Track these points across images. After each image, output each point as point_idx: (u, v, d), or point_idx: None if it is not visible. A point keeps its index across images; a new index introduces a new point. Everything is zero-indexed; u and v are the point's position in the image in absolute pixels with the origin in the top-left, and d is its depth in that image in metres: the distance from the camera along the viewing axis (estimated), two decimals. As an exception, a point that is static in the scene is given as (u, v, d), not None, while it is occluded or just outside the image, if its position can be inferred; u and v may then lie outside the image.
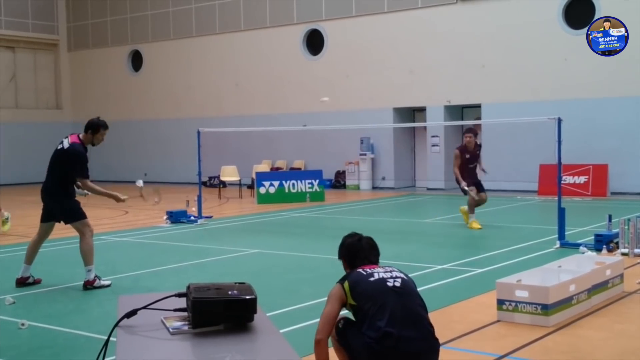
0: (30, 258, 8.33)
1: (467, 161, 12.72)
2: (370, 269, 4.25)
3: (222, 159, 22.53)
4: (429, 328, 4.15)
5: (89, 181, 8.20)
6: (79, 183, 8.27)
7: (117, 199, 8.51)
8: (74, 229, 8.38)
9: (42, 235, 8.41)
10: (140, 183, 9.09)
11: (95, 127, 8.30)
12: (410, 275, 4.53)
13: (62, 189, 8.17)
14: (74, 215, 8.21)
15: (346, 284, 4.15)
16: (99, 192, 8.35)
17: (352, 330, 4.16)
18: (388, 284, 4.13)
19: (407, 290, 4.17)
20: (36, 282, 8.36)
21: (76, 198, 8.34)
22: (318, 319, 4.46)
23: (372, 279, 4.15)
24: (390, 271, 4.25)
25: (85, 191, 8.43)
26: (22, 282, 8.27)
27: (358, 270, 4.25)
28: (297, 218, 15.39)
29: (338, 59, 23.20)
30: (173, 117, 27.36)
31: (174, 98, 27.35)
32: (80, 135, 8.31)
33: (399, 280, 4.18)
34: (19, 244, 11.31)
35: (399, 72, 22.03)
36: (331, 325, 4.16)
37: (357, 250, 4.41)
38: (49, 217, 8.33)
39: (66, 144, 8.19)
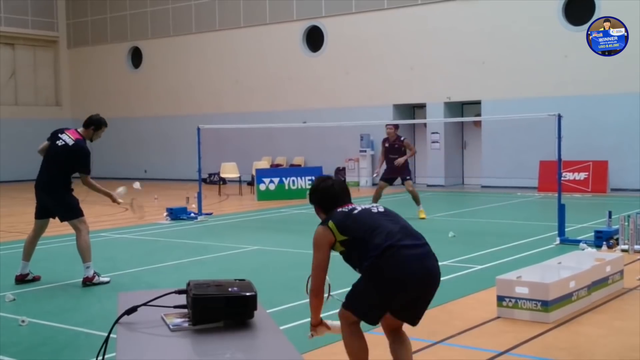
0: (27, 255, 8.32)
1: (387, 150, 13.75)
2: (348, 207, 4.26)
3: (222, 156, 22.51)
4: (425, 239, 4.19)
5: (90, 178, 8.18)
6: None
7: (113, 200, 8.46)
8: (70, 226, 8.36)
9: (38, 232, 8.38)
10: (137, 186, 9.06)
11: (98, 124, 8.30)
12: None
13: (62, 185, 8.14)
14: (71, 213, 8.18)
15: (330, 223, 4.12)
16: (98, 190, 8.33)
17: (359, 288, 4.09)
18: (373, 210, 4.21)
19: (394, 213, 4.28)
20: (35, 279, 8.36)
21: (74, 194, 8.32)
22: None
23: (355, 211, 4.18)
24: (370, 204, 4.35)
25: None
26: (22, 280, 8.27)
27: (337, 210, 4.24)
28: (297, 215, 15.39)
29: (338, 55, 23.18)
30: (173, 114, 27.35)
31: (174, 95, 27.33)
32: (80, 130, 8.29)
33: (382, 207, 4.29)
34: (19, 241, 11.30)
35: (399, 68, 22.01)
36: (324, 272, 4.14)
37: (332, 196, 4.35)
38: (44, 213, 8.30)
39: (68, 140, 8.16)
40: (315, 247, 4.17)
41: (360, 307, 4.09)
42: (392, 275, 3.93)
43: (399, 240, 3.99)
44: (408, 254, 3.98)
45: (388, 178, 13.85)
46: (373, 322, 4.19)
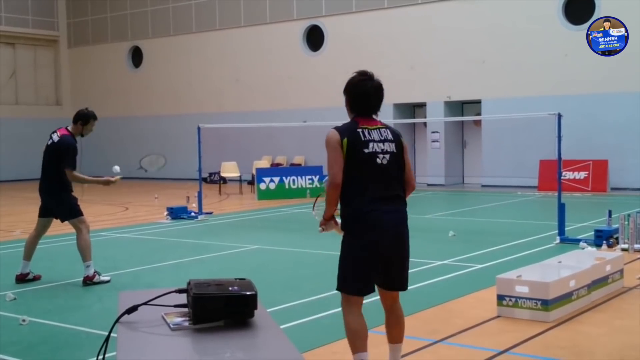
0: (28, 254, 8.33)
1: None
2: (368, 131, 4.43)
3: (222, 155, 22.50)
4: (402, 203, 4.52)
5: (75, 171, 8.14)
6: None
7: (107, 183, 8.40)
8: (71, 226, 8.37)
9: (40, 231, 8.40)
10: (116, 169, 8.94)
11: (85, 118, 8.26)
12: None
13: (59, 184, 8.14)
14: (71, 213, 8.20)
15: (345, 141, 4.37)
16: (87, 181, 8.32)
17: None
18: (377, 160, 4.39)
19: (393, 166, 4.44)
20: (36, 279, 8.37)
21: (73, 194, 8.32)
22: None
23: (366, 150, 4.38)
24: (383, 140, 4.45)
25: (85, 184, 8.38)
26: (22, 279, 8.27)
27: (358, 130, 4.42)
28: (298, 214, 15.39)
29: (338, 54, 23.17)
30: (173, 113, 27.34)
31: (174, 94, 27.33)
32: (69, 127, 8.29)
33: (387, 156, 4.43)
34: (19, 241, 11.31)
35: (399, 68, 22.00)
36: (340, 166, 4.37)
37: (363, 94, 4.50)
38: (47, 212, 8.33)
39: (56, 137, 8.18)
40: (329, 147, 4.40)
41: (341, 282, 4.42)
42: (364, 237, 4.34)
43: (378, 206, 4.36)
44: (381, 220, 4.35)
45: None
46: (357, 291, 4.41)
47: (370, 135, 4.42)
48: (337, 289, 4.46)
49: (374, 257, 4.36)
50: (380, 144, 4.42)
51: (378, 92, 4.53)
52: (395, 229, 4.41)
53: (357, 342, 4.38)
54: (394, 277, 4.49)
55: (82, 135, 8.34)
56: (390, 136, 4.49)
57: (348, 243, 4.42)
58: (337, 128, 4.44)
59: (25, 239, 8.70)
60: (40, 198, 8.34)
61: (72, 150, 8.07)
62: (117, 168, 8.57)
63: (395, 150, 4.46)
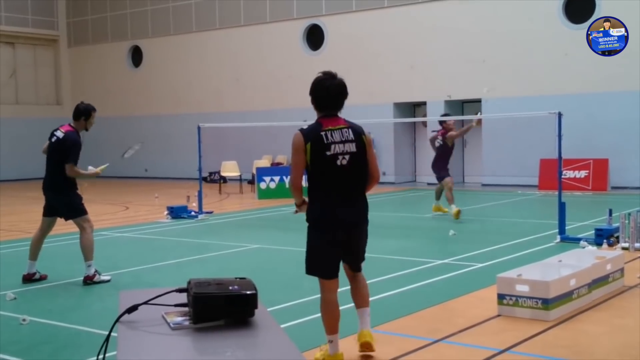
0: (34, 254, 8.33)
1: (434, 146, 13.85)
2: (331, 133, 4.87)
3: (222, 155, 22.51)
4: (361, 199, 5.07)
5: (74, 166, 8.15)
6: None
7: (98, 173, 8.36)
8: (74, 225, 8.37)
9: (45, 230, 8.40)
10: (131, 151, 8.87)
11: (87, 112, 8.27)
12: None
13: (65, 182, 8.15)
14: (75, 211, 8.20)
15: (308, 146, 4.85)
16: (83, 175, 8.31)
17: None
18: (337, 162, 4.86)
19: (353, 165, 4.91)
20: (42, 278, 8.36)
21: (78, 191, 8.32)
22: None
23: (328, 152, 4.85)
24: (344, 141, 4.88)
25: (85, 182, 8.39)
26: (29, 279, 8.27)
27: (321, 132, 4.86)
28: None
29: (338, 54, 23.16)
30: (173, 113, 27.35)
31: (174, 93, 27.33)
32: (72, 124, 8.29)
33: (347, 157, 4.88)
34: (20, 240, 11.32)
35: (399, 67, 22.00)
36: (302, 171, 4.97)
37: (326, 93, 4.93)
38: (51, 211, 8.33)
39: (60, 134, 8.19)
40: (294, 150, 4.91)
41: (309, 268, 5.17)
42: (326, 232, 5.02)
43: (339, 208, 4.95)
44: (342, 220, 4.96)
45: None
46: (322, 275, 5.09)
47: (332, 137, 4.86)
48: (306, 273, 5.16)
49: (334, 247, 5.01)
50: (341, 145, 4.86)
51: (340, 90, 4.93)
52: (353, 224, 5.01)
53: (328, 324, 5.00)
54: (352, 261, 5.22)
55: (87, 129, 8.35)
56: (351, 136, 4.92)
57: (312, 236, 5.12)
58: (302, 131, 4.90)
59: (30, 237, 8.70)
60: (45, 196, 8.34)
61: (78, 146, 8.11)
62: (91, 168, 8.52)
63: (355, 150, 4.91)
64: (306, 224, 5.22)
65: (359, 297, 5.26)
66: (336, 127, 4.89)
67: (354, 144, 4.90)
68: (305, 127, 4.96)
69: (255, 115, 24.17)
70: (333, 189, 4.92)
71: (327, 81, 4.92)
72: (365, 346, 5.16)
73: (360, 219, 5.06)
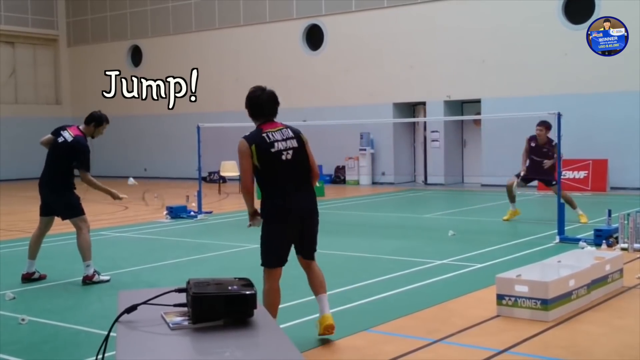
0: (33, 253, 8.31)
1: (532, 151, 12.79)
2: (272, 134, 5.35)
3: (222, 155, 22.48)
4: (309, 188, 5.48)
5: (90, 175, 8.17)
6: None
7: (115, 197, 8.45)
8: (71, 224, 8.36)
9: (43, 230, 8.38)
10: (131, 181, 9.02)
11: (99, 121, 8.28)
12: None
13: (64, 182, 8.14)
14: (73, 211, 8.18)
15: (253, 147, 5.28)
16: (98, 187, 8.31)
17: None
18: (282, 157, 5.29)
19: (297, 158, 5.35)
20: (42, 278, 8.35)
21: (75, 191, 8.32)
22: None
23: (273, 149, 5.27)
24: (286, 139, 5.35)
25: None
26: (28, 278, 8.26)
27: (262, 134, 5.35)
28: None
29: (338, 54, 23.18)
30: (173, 112, 27.29)
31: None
32: (81, 127, 8.28)
33: (291, 152, 5.33)
34: (19, 239, 11.32)
35: (399, 67, 22.01)
36: (251, 173, 5.34)
37: (258, 104, 5.51)
38: (48, 210, 8.30)
39: (68, 136, 8.15)
40: (241, 155, 5.33)
41: (264, 260, 5.45)
42: (280, 223, 5.35)
43: (290, 200, 5.30)
44: (295, 210, 5.32)
45: (526, 178, 12.85)
46: (277, 264, 5.42)
47: (274, 137, 5.33)
48: (261, 265, 5.44)
49: (289, 238, 5.40)
50: (284, 142, 5.33)
51: (271, 100, 5.48)
52: (305, 212, 5.40)
53: (271, 309, 5.24)
54: (306, 250, 5.58)
55: (93, 137, 8.34)
56: (290, 134, 5.42)
57: (266, 229, 5.41)
58: (245, 137, 5.36)
59: (29, 237, 8.70)
60: (40, 195, 8.29)
61: (86, 152, 8.10)
62: (132, 180, 8.60)
63: (297, 145, 5.37)
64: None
65: (317, 284, 5.62)
66: (275, 128, 5.40)
67: (294, 140, 5.38)
68: (247, 134, 5.42)
69: (255, 115, 24.13)
70: (283, 183, 5.31)
71: (258, 92, 5.51)
72: (330, 328, 5.49)
73: (313, 207, 5.47)
